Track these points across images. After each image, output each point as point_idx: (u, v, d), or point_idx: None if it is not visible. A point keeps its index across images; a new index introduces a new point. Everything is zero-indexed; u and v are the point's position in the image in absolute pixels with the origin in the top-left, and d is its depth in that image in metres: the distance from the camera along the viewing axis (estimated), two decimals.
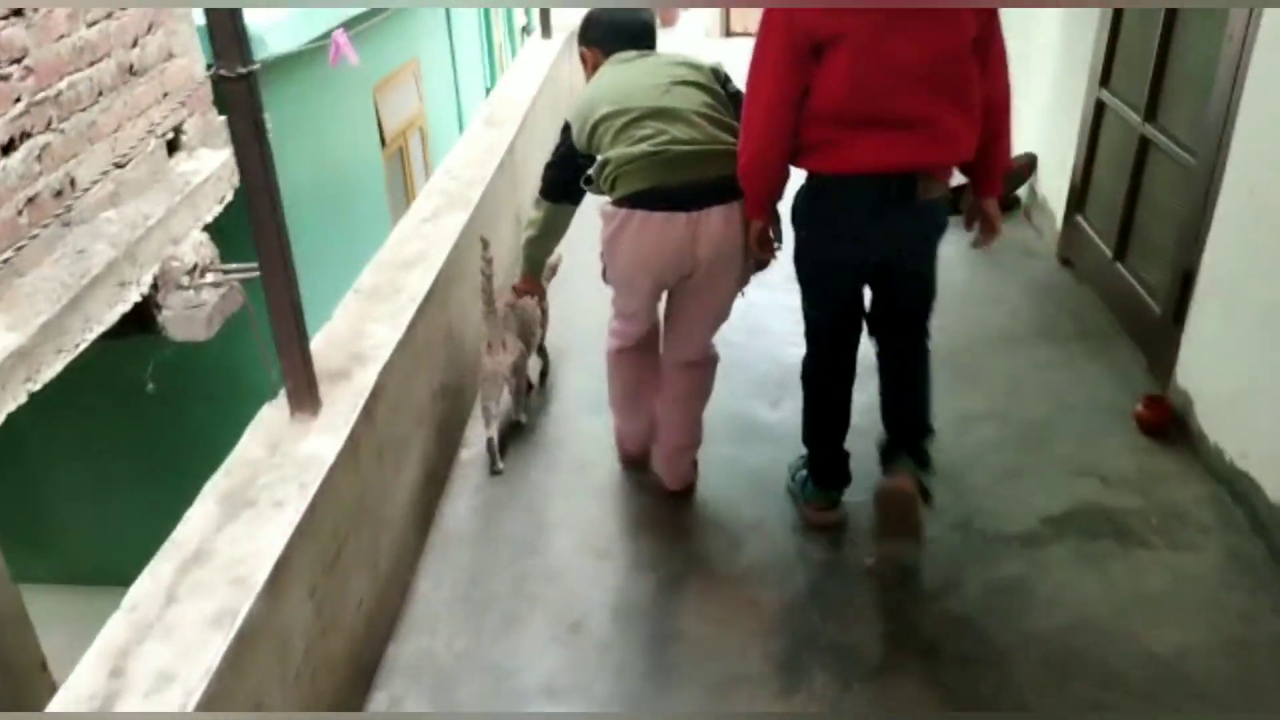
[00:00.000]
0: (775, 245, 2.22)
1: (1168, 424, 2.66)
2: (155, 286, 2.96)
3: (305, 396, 1.81)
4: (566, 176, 2.26)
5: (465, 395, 2.75)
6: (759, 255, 2.20)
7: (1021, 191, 4.24)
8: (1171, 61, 2.89)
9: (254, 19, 3.69)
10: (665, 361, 2.42)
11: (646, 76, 2.23)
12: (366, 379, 1.94)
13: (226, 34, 1.51)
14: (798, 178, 2.09)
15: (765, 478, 2.57)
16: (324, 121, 4.98)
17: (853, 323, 2.26)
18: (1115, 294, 3.24)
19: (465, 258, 2.69)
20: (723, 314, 2.33)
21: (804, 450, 2.42)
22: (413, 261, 2.46)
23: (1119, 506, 2.41)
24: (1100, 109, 3.40)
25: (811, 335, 2.32)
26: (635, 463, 2.60)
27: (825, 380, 2.33)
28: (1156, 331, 2.88)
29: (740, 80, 2.10)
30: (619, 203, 2.13)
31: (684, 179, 2.09)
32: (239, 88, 1.54)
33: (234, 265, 3.24)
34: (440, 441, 2.48)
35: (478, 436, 2.69)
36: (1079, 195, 3.57)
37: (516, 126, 3.71)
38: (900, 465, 2.22)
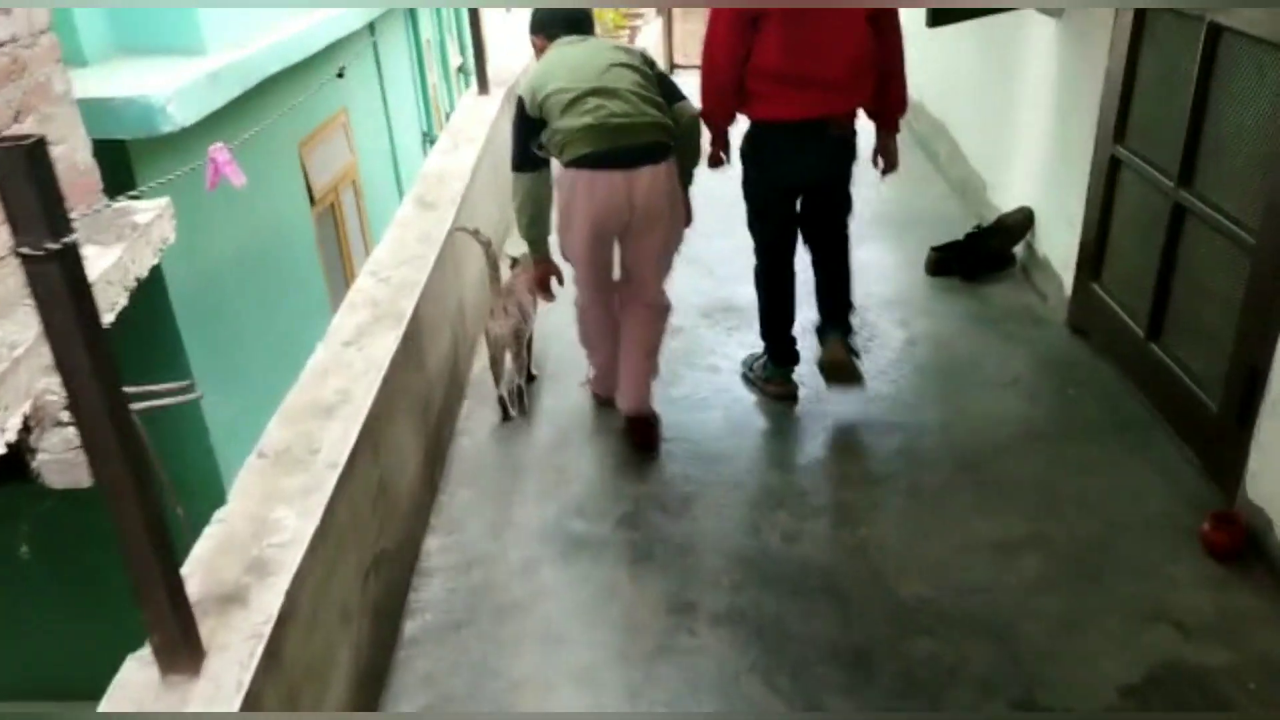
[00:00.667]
0: (725, 160, 3.01)
1: (1242, 547, 2.27)
2: (27, 427, 2.44)
3: (180, 650, 1.33)
4: (528, 145, 2.69)
5: (405, 554, 2.27)
6: (715, 165, 3.00)
7: (1018, 249, 3.87)
8: (1210, 122, 2.51)
9: (156, 86, 3.20)
10: (623, 310, 2.90)
11: (588, 59, 2.68)
12: (269, 604, 1.46)
13: (24, 196, 1.02)
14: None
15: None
16: (254, 180, 4.47)
17: (789, 231, 2.99)
18: (1152, 379, 2.85)
19: (398, 394, 2.22)
20: (663, 260, 2.82)
21: (755, 351, 3.23)
22: (332, 406, 1.97)
23: (1206, 665, 2.00)
24: (1115, 166, 3.02)
25: (760, 248, 3.04)
26: (607, 404, 3.06)
27: (773, 281, 3.05)
28: (1213, 431, 2.49)
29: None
30: (569, 164, 2.60)
31: (620, 144, 2.56)
32: (48, 270, 1.06)
33: (131, 389, 2.73)
34: (378, 625, 2.00)
35: (422, 600, 2.22)
36: (1093, 259, 3.20)
37: (454, 208, 3.24)
38: (833, 337, 2.98)
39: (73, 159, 2.83)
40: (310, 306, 5.19)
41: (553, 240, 2.87)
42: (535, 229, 2.81)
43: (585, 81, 2.59)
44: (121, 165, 3.36)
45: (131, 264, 2.88)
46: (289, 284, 4.93)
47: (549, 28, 2.83)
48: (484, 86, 4.95)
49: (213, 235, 4.02)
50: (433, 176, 3.71)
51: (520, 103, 2.69)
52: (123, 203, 3.00)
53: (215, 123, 3.58)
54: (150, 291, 3.38)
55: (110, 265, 2.81)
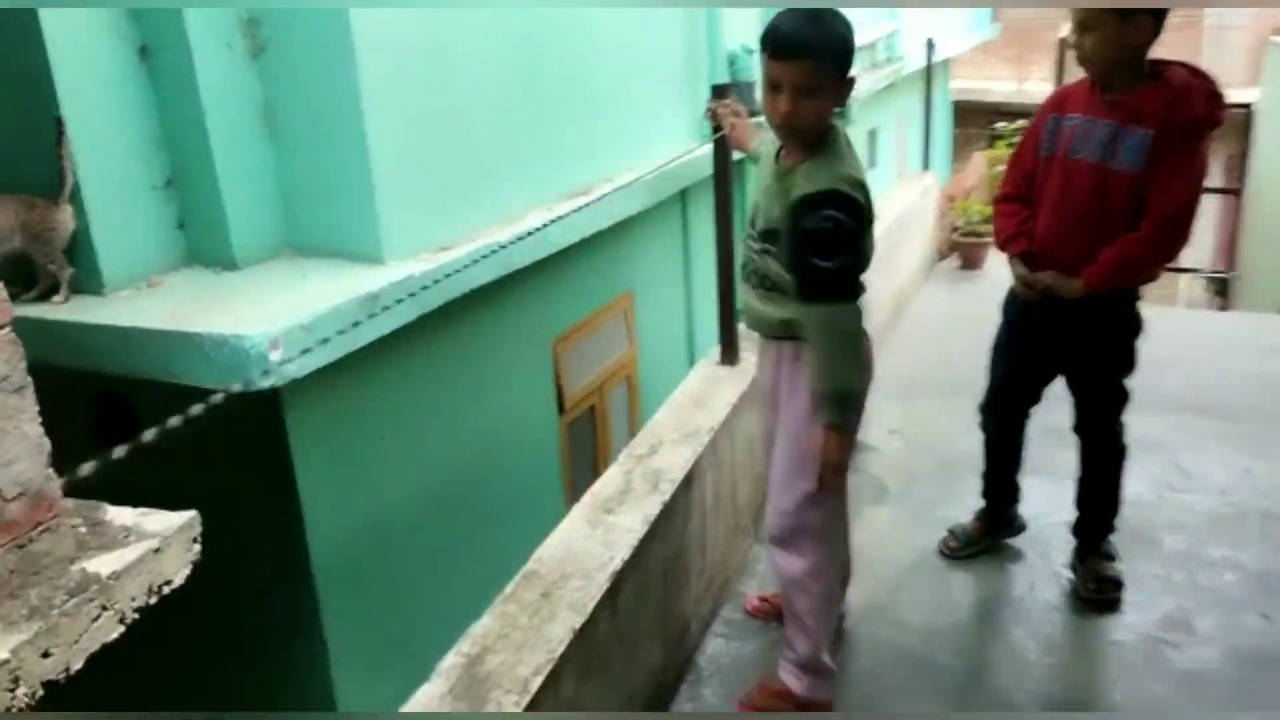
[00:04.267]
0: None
1: None
2: None
3: None
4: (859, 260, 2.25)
5: None
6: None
7: None
8: None
9: (255, 324, 2.27)
10: None
11: None
12: None
13: None
14: None
15: None
16: (474, 393, 3.52)
17: (1022, 397, 3.10)
18: None
19: None
20: (783, 481, 2.41)
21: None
22: None
23: None
24: None
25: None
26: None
27: (995, 420, 3.18)
28: None
29: None
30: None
31: None
32: None
33: None
34: None
35: None
36: None
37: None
38: (1089, 564, 3.07)
39: None
40: (539, 527, 4.13)
41: None
42: (861, 385, 2.35)
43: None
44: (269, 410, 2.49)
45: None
46: (513, 514, 3.89)
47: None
48: (731, 355, 3.85)
49: (427, 453, 3.07)
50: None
51: (854, 199, 2.15)
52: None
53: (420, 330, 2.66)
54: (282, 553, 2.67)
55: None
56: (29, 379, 1.70)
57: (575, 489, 4.48)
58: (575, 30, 3.63)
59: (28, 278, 2.54)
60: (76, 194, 2.45)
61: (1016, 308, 2.99)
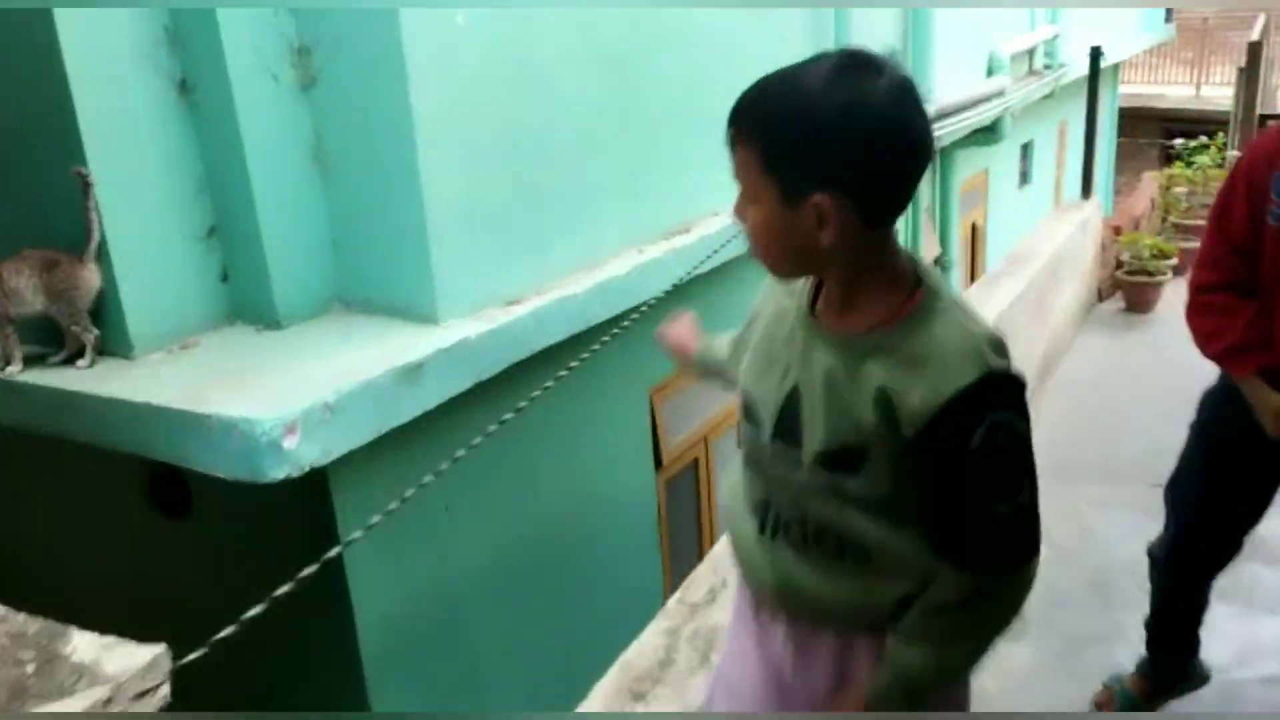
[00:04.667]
0: None
1: None
2: None
3: None
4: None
5: None
6: None
7: None
8: None
9: (271, 407, 1.96)
10: None
11: None
12: None
13: None
14: None
15: None
16: (557, 451, 3.17)
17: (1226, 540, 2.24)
18: None
19: None
20: None
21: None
22: None
23: None
24: None
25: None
26: None
27: (1176, 576, 2.32)
28: None
29: None
30: None
31: None
32: None
33: None
34: None
35: None
36: None
37: None
38: None
39: None
40: (634, 602, 3.75)
41: None
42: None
43: None
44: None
45: None
46: (602, 582, 3.52)
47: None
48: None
49: (465, 544, 2.83)
50: None
51: (1016, 382, 1.23)
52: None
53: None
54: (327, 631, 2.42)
55: None
56: None
57: (676, 551, 4.07)
58: (678, 42, 3.21)
59: (57, 336, 2.32)
60: (104, 249, 2.21)
61: (1237, 430, 2.12)
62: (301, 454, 1.98)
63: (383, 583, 2.58)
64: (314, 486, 2.29)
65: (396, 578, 2.65)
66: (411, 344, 2.31)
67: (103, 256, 2.21)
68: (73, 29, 2.07)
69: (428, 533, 2.73)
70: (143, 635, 1.37)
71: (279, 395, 2.04)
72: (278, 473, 1.95)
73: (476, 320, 2.49)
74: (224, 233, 2.43)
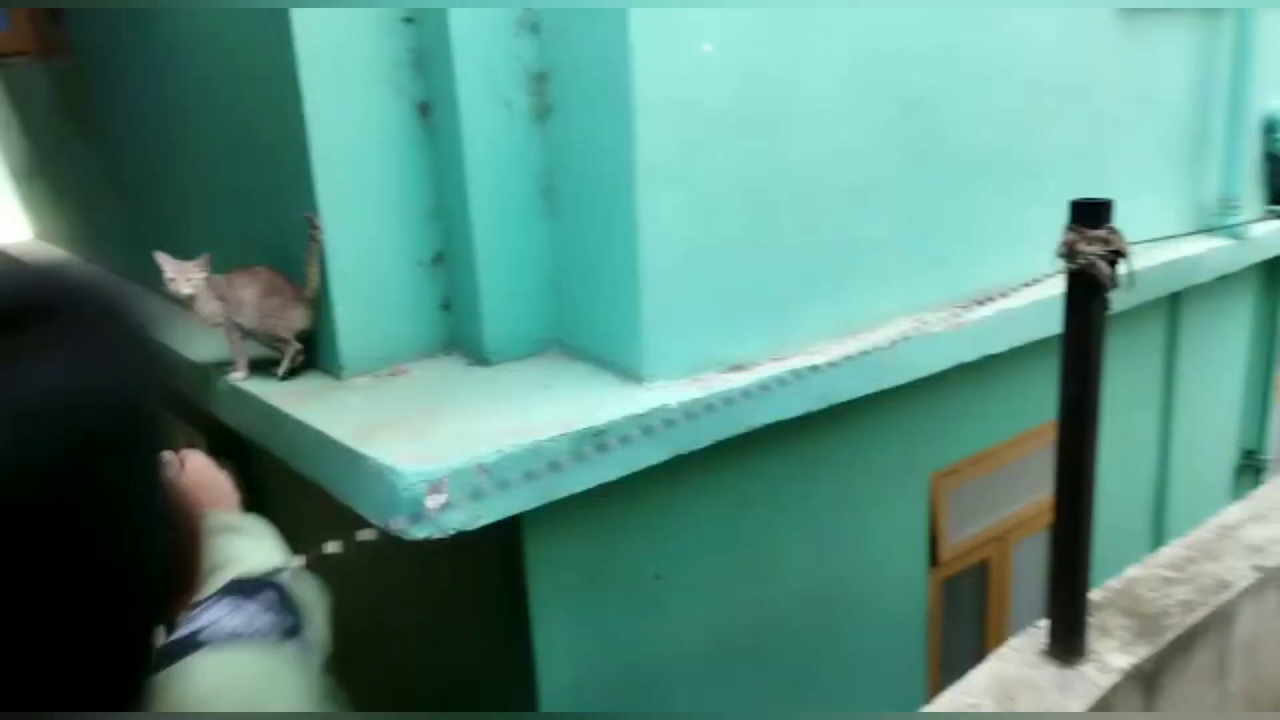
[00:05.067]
0: None
1: None
2: None
3: None
4: None
5: None
6: None
7: None
8: None
9: (411, 463, 1.81)
10: None
11: None
12: None
13: None
14: None
15: None
16: (795, 531, 2.81)
17: None
18: None
19: None
20: None
21: None
22: None
23: None
24: None
25: None
26: None
27: None
28: None
29: None
30: None
31: None
32: None
33: None
34: None
35: None
36: None
37: None
38: None
39: None
40: (885, 709, 3.24)
41: None
42: None
43: None
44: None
45: None
46: (841, 686, 3.08)
47: None
48: None
49: (674, 619, 2.57)
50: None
51: None
52: None
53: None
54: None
55: None
56: None
57: (948, 662, 3.48)
58: (989, 78, 2.68)
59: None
60: (324, 271, 2.20)
61: None
62: (446, 516, 1.81)
63: (573, 649, 2.37)
64: (505, 534, 2.13)
65: (590, 646, 2.43)
66: (603, 405, 2.06)
67: (323, 280, 2.21)
68: (312, 47, 2.07)
69: (631, 601, 2.48)
70: None
71: (438, 446, 1.88)
72: (418, 532, 1.79)
73: (688, 384, 2.19)
74: (450, 260, 2.34)
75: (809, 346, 2.43)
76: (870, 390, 2.47)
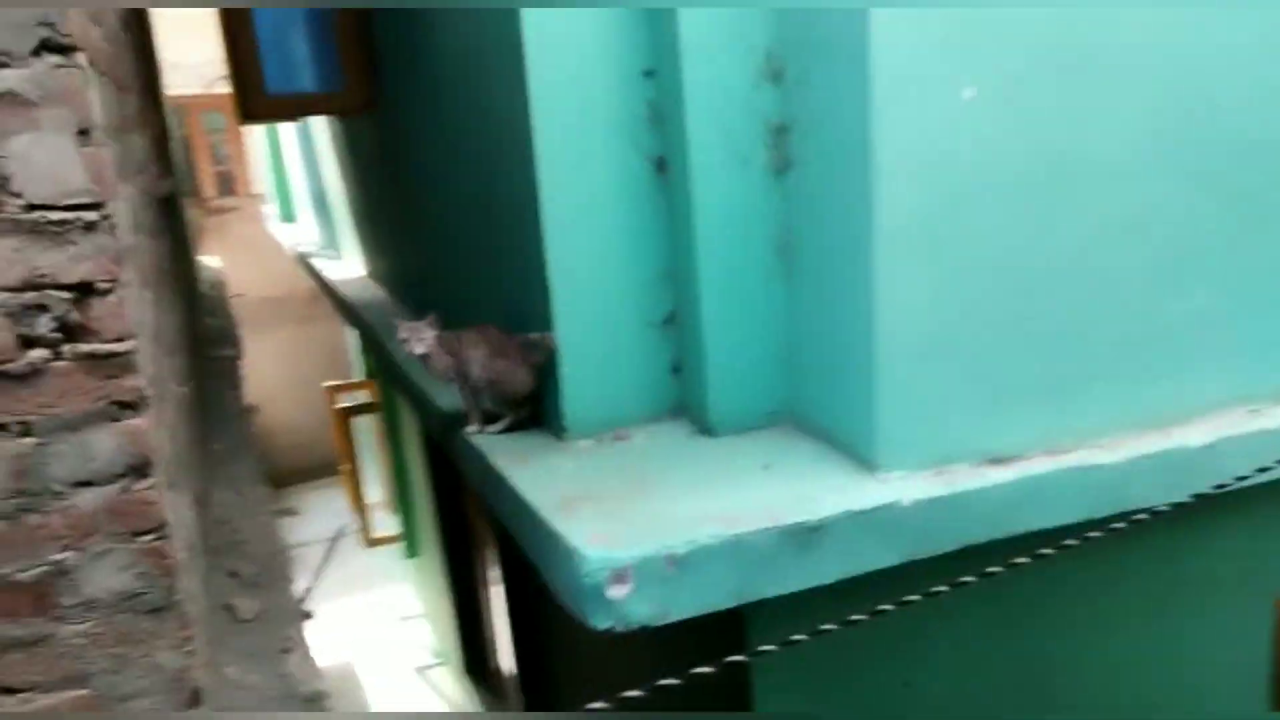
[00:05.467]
0: None
1: None
2: None
3: None
4: None
5: None
6: None
7: None
8: None
9: (598, 547, 1.70)
10: None
11: None
12: None
13: None
14: None
15: None
16: (1083, 650, 2.40)
17: None
18: None
19: None
20: None
21: None
22: None
23: None
24: None
25: None
26: None
27: None
28: None
29: None
30: None
31: None
32: None
33: None
34: None
35: None
36: None
37: None
38: None
39: None
40: None
41: None
42: None
43: None
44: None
45: None
46: None
47: None
48: None
49: None
50: None
51: None
52: None
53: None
54: None
55: None
56: (176, 598, 1.42)
57: None
58: None
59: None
60: (552, 359, 2.17)
61: None
62: (631, 609, 1.67)
63: None
64: (729, 620, 1.96)
65: None
66: (824, 495, 1.83)
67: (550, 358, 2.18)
68: (549, 104, 2.03)
69: (873, 708, 2.21)
70: None
71: (634, 528, 1.75)
72: (599, 622, 1.67)
73: (930, 477, 1.88)
74: (682, 321, 2.22)
75: (1095, 439, 2.02)
76: (1180, 497, 2.00)
